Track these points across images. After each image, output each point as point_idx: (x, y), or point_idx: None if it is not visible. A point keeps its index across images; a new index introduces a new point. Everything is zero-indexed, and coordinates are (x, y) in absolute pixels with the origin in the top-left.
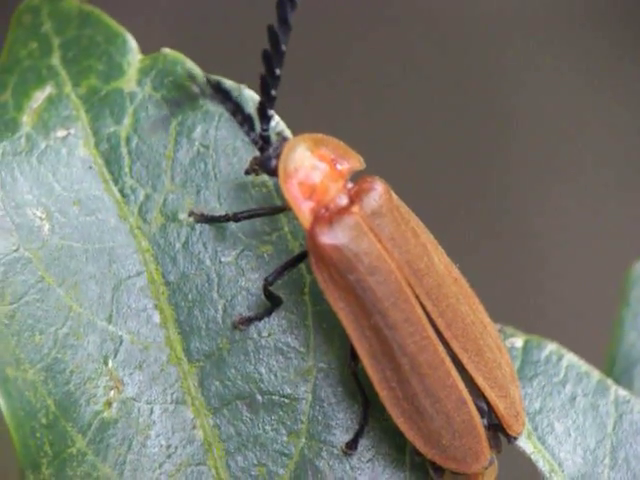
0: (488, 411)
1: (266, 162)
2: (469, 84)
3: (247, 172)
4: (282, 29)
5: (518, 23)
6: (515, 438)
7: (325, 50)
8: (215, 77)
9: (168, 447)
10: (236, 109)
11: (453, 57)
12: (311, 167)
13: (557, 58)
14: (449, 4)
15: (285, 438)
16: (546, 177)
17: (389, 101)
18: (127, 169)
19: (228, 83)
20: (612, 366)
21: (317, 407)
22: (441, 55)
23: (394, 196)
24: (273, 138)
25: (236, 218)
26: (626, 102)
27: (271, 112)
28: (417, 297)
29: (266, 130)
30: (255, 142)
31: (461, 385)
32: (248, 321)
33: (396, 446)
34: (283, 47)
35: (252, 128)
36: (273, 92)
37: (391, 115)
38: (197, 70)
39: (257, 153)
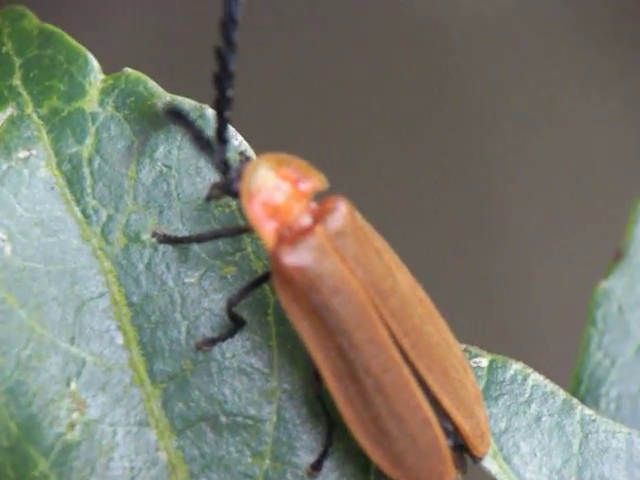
0: (453, 431)
1: (228, 185)
2: (436, 87)
3: (208, 198)
4: (228, 50)
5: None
6: (480, 458)
7: (288, 61)
8: (175, 99)
9: (132, 469)
10: (195, 134)
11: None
12: (274, 187)
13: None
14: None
15: (249, 459)
16: (513, 193)
17: (351, 116)
18: (89, 189)
19: (189, 104)
20: (578, 386)
21: (281, 428)
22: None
23: (358, 216)
24: (235, 158)
25: (199, 239)
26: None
27: (228, 134)
28: (382, 318)
29: (224, 152)
30: (216, 166)
31: (426, 406)
32: (212, 342)
33: (361, 467)
34: (231, 68)
35: (212, 152)
36: (227, 114)
37: (352, 129)
38: (159, 90)
39: (218, 176)
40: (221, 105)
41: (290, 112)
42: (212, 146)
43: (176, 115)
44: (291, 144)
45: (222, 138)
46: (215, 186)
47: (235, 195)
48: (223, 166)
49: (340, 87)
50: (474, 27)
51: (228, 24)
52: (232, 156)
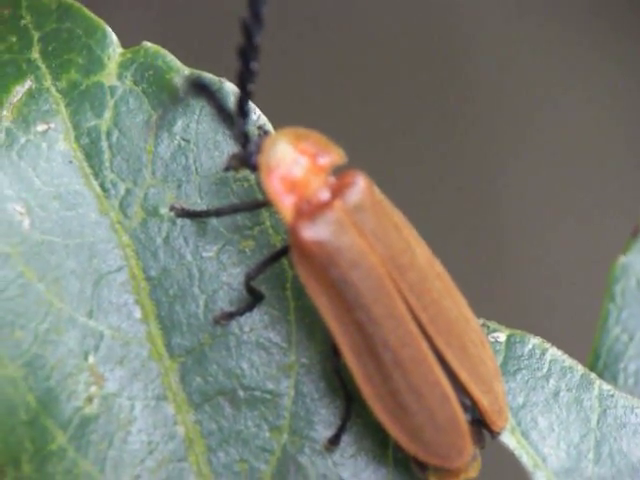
0: (471, 406)
1: (247, 158)
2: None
3: (226, 168)
4: (255, 23)
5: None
6: (498, 433)
7: (302, 42)
8: (195, 72)
9: (149, 443)
10: (216, 105)
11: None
12: (292, 161)
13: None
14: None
15: (267, 434)
16: (531, 168)
17: (371, 96)
18: (107, 163)
19: (208, 78)
20: (596, 361)
21: (299, 403)
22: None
23: (376, 190)
24: (254, 132)
25: (218, 213)
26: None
27: (249, 107)
28: (400, 292)
29: (245, 125)
30: (236, 138)
31: (444, 380)
32: (230, 316)
33: (379, 442)
34: (257, 41)
35: (233, 124)
36: (250, 87)
37: (372, 108)
38: (178, 64)
39: (237, 148)
40: (244, 78)
41: (309, 87)
42: (232, 118)
43: (199, 86)
44: (310, 119)
45: (243, 111)
46: (234, 157)
47: (254, 168)
48: (243, 139)
49: (358, 67)
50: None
51: None
52: (251, 130)
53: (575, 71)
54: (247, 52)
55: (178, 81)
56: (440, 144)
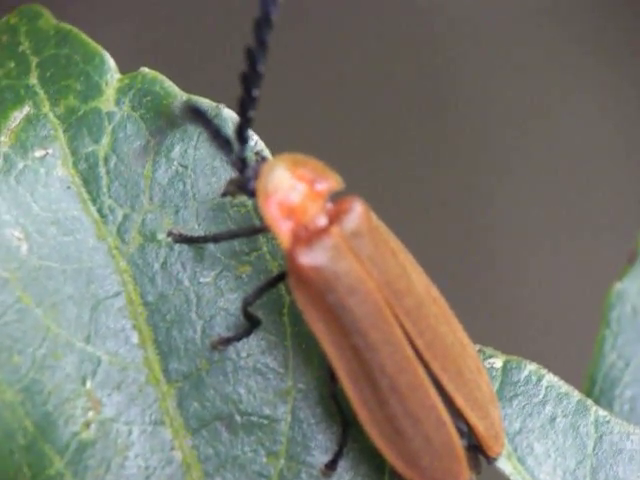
0: (468, 432)
1: (245, 183)
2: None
3: (224, 194)
4: (259, 50)
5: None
6: (495, 459)
7: (299, 68)
8: (192, 98)
9: (147, 468)
10: (213, 131)
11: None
12: (290, 187)
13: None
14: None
15: (264, 459)
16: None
17: (365, 117)
18: (105, 189)
19: (206, 103)
20: (592, 387)
21: (296, 428)
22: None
23: (373, 216)
24: (251, 158)
25: (215, 239)
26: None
27: (248, 133)
28: (397, 317)
29: (243, 151)
30: (234, 164)
31: (440, 406)
32: (227, 342)
33: (375, 467)
34: (261, 68)
35: (231, 150)
36: (251, 113)
37: (367, 129)
38: (176, 90)
39: (235, 174)
40: (245, 104)
41: (305, 113)
42: (230, 144)
43: (195, 112)
44: (306, 145)
45: (243, 137)
46: (231, 182)
47: (251, 194)
48: (241, 164)
49: (352, 89)
50: (470, 27)
51: (263, 24)
52: (248, 156)
53: (574, 85)
54: (250, 79)
55: (176, 107)
56: (433, 161)
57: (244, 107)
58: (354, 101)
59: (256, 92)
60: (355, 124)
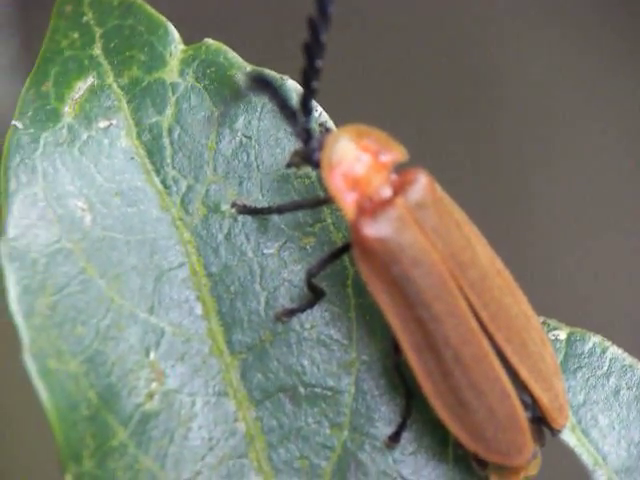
0: (532, 404)
1: (310, 154)
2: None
3: (289, 165)
4: (322, 21)
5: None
6: (559, 431)
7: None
8: (257, 69)
9: (210, 439)
10: (280, 101)
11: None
12: (354, 159)
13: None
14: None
15: (328, 431)
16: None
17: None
18: (169, 160)
19: (270, 74)
20: None
21: (360, 400)
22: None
23: (438, 188)
24: (316, 129)
25: (279, 210)
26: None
27: (313, 104)
28: (461, 289)
29: (308, 122)
30: (298, 134)
31: (505, 378)
32: (291, 313)
33: (439, 439)
34: (323, 39)
35: (296, 121)
36: (314, 84)
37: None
38: (240, 61)
39: (299, 145)
40: (309, 75)
41: (370, 86)
42: (295, 115)
43: (262, 82)
44: (370, 116)
45: (307, 108)
46: (296, 153)
47: (315, 165)
48: (305, 135)
49: (411, 70)
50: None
51: None
52: (313, 128)
53: (602, 85)
54: (313, 49)
55: (240, 77)
56: (467, 157)
57: (308, 78)
58: (413, 80)
59: (319, 63)
60: (413, 101)
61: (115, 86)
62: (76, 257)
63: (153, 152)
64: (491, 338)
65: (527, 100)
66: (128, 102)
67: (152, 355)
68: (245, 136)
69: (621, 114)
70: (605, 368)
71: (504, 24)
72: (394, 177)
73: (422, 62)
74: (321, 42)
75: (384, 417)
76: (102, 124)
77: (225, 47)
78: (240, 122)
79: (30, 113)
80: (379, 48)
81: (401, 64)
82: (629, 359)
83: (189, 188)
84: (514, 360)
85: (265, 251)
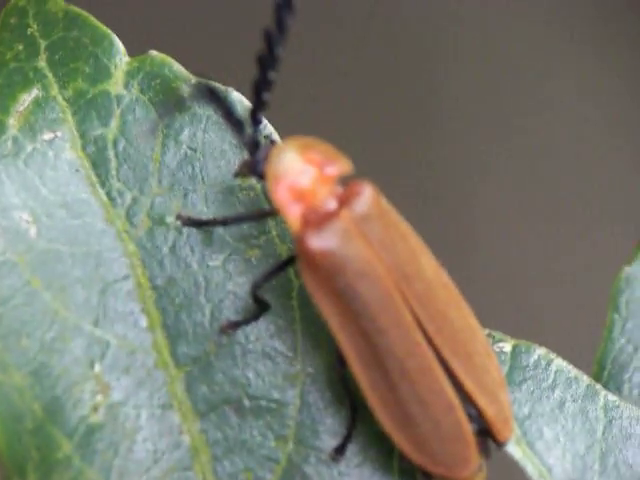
0: (477, 416)
1: (255, 165)
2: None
3: (236, 174)
4: (278, 33)
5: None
6: (504, 444)
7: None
8: (202, 81)
9: (155, 452)
10: (226, 111)
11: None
12: (299, 171)
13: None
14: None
15: (273, 443)
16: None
17: (364, 105)
18: (114, 172)
19: (216, 85)
20: (601, 372)
21: (305, 412)
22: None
23: (383, 200)
24: (263, 141)
25: (224, 222)
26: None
27: (262, 116)
28: (406, 302)
29: (256, 134)
30: (245, 145)
31: (450, 390)
32: (235, 325)
33: (384, 451)
34: (278, 51)
35: (241, 131)
36: (266, 96)
37: (366, 116)
38: (185, 73)
39: (245, 156)
40: (261, 87)
41: (313, 97)
42: (241, 125)
43: (208, 92)
44: (315, 129)
45: (256, 119)
46: (244, 164)
47: (261, 176)
48: (252, 146)
49: (357, 82)
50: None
51: (282, 6)
52: (261, 139)
53: (572, 70)
54: (267, 61)
55: (186, 87)
56: (410, 168)
57: (259, 89)
58: (358, 93)
59: (272, 75)
60: (358, 114)
61: (60, 98)
62: (21, 269)
63: (98, 164)
64: (436, 351)
65: (469, 105)
66: (73, 114)
67: (97, 367)
68: (190, 148)
69: (565, 113)
70: (550, 380)
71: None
72: (339, 189)
73: (370, 71)
74: (275, 55)
75: (329, 429)
76: (47, 136)
77: (170, 59)
78: (185, 134)
79: None
80: (328, 59)
81: (350, 74)
82: (574, 371)
83: (134, 200)
84: (459, 372)
85: (210, 263)
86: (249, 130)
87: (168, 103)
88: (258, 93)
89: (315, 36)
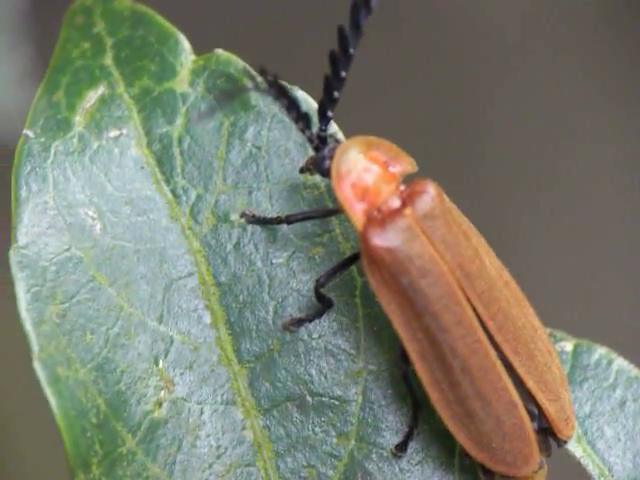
0: (538, 415)
1: (320, 162)
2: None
3: (302, 170)
4: (353, 33)
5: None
6: (565, 442)
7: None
8: (269, 76)
9: (218, 448)
10: (292, 105)
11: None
12: (364, 169)
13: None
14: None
15: (335, 440)
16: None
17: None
18: (179, 169)
19: (283, 83)
20: None
21: (367, 409)
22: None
23: (446, 199)
24: (330, 139)
25: (288, 220)
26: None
27: (331, 113)
28: (468, 300)
29: (324, 130)
30: (310, 140)
31: (512, 388)
32: (299, 323)
33: (446, 449)
34: (352, 50)
35: (307, 126)
36: (336, 94)
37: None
38: (251, 71)
39: (310, 154)
40: (332, 84)
41: (381, 98)
42: (308, 120)
43: (276, 88)
44: (380, 128)
45: (325, 116)
46: (310, 160)
47: (325, 174)
48: (319, 143)
49: (419, 84)
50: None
51: (359, 7)
52: (328, 137)
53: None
54: (340, 60)
55: (253, 79)
56: (474, 169)
57: (331, 87)
58: (425, 92)
59: (344, 73)
60: (423, 114)
61: (126, 96)
62: (86, 265)
63: (163, 161)
64: (498, 349)
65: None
66: (138, 112)
67: (161, 363)
68: (255, 146)
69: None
70: (611, 380)
71: None
72: (403, 188)
73: (437, 77)
74: (349, 54)
75: (391, 426)
76: (112, 133)
77: (235, 57)
78: (250, 132)
79: (41, 122)
80: (392, 62)
81: (415, 78)
82: (635, 371)
83: (198, 198)
84: (521, 371)
85: (274, 261)
86: (315, 127)
87: (232, 92)
88: (329, 90)
89: (382, 37)
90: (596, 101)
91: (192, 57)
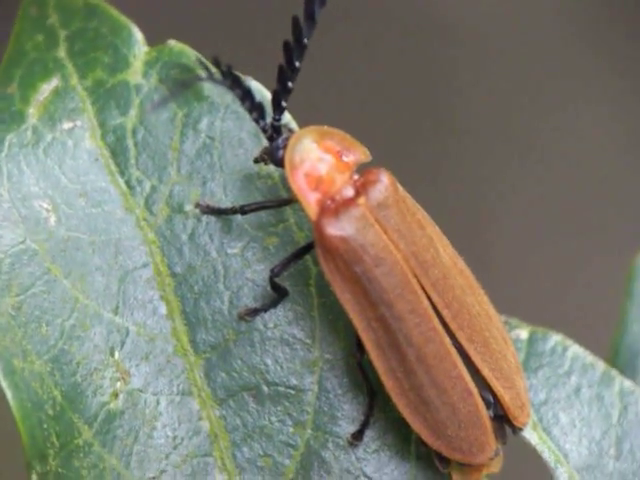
0: (494, 402)
1: (274, 152)
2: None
3: (256, 160)
4: (307, 23)
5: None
6: (520, 429)
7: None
8: (223, 67)
9: (174, 438)
10: (245, 95)
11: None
12: (317, 159)
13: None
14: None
15: (291, 429)
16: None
17: (383, 100)
18: (133, 161)
19: (237, 73)
20: (616, 358)
21: (323, 398)
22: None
23: (400, 188)
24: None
25: (243, 210)
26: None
27: (285, 104)
28: (423, 288)
29: (278, 120)
30: (264, 130)
31: (467, 376)
32: (254, 312)
33: (402, 437)
34: (306, 40)
35: (261, 116)
36: (290, 84)
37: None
38: (204, 62)
39: (264, 144)
40: (286, 74)
41: (335, 87)
42: (262, 110)
43: (230, 78)
44: (334, 118)
45: (279, 106)
46: (264, 150)
47: (279, 164)
48: (272, 133)
49: (376, 79)
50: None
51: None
52: (282, 127)
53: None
54: (294, 50)
55: (207, 69)
56: (431, 156)
57: (285, 77)
58: (379, 83)
59: (298, 63)
60: (378, 103)
61: (79, 88)
62: (41, 257)
63: (117, 153)
64: (453, 337)
65: (492, 99)
66: (92, 103)
67: (117, 354)
68: (208, 137)
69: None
70: (566, 367)
71: None
72: (356, 177)
73: (389, 64)
74: (303, 44)
75: (347, 415)
76: (66, 125)
77: (188, 48)
78: (204, 123)
79: None
80: (348, 51)
81: (368, 65)
82: (590, 358)
83: (153, 189)
84: (476, 358)
85: (229, 251)
86: (269, 117)
87: (186, 81)
88: (283, 80)
89: (341, 28)
90: (580, 103)
91: (145, 48)
